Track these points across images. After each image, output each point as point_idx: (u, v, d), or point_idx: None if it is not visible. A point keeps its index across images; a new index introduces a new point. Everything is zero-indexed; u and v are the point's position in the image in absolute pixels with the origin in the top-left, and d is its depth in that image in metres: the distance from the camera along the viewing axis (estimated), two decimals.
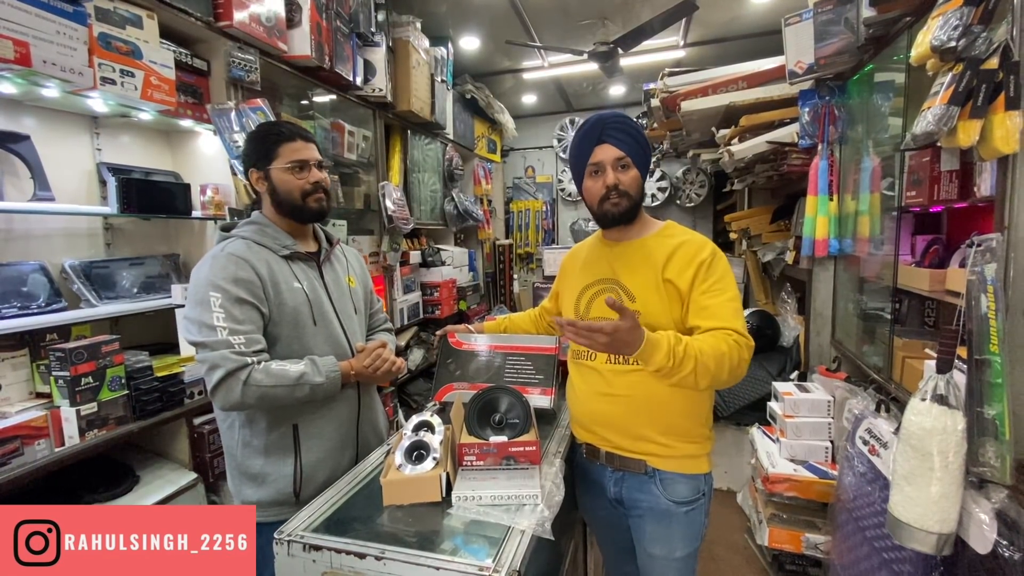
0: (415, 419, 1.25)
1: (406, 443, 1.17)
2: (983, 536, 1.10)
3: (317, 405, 1.31)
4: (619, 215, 1.30)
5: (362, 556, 0.94)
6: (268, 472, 1.27)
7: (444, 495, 1.10)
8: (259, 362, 1.18)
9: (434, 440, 1.18)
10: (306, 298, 1.30)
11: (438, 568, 0.90)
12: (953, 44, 1.16)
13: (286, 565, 1.00)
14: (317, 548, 0.97)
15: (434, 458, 1.14)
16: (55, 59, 1.32)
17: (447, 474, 1.12)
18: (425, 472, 1.11)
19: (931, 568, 1.27)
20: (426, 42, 3.04)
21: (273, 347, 1.26)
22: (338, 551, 0.96)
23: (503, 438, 1.21)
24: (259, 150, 1.32)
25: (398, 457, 1.15)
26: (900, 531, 1.20)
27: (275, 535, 1.01)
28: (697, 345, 1.17)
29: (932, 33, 1.20)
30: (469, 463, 1.18)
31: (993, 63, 1.11)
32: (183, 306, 1.72)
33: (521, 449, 1.18)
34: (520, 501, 1.07)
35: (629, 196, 1.29)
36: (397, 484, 1.10)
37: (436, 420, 1.24)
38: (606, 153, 1.28)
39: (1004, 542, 1.07)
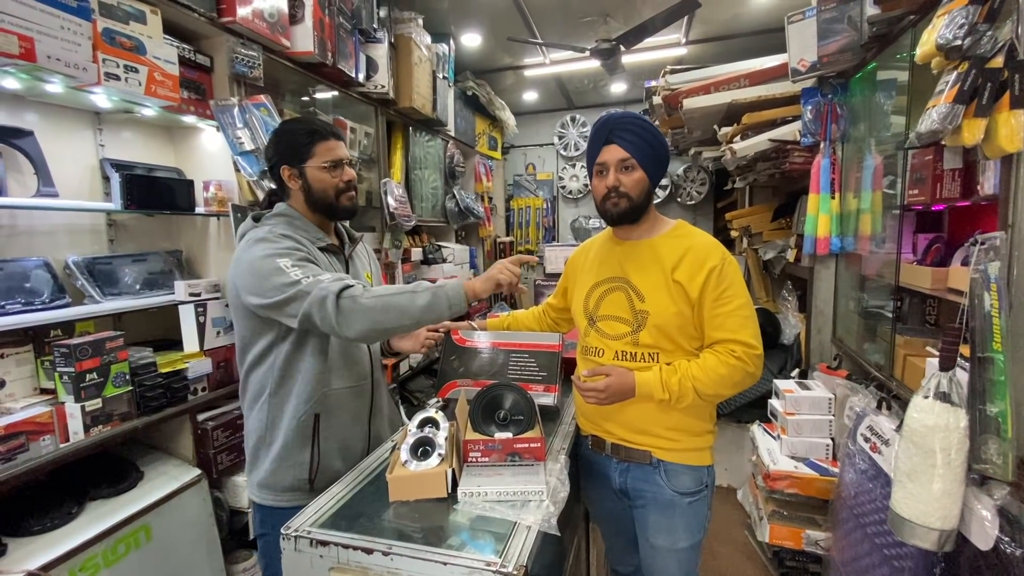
0: (420, 415, 1.25)
1: (411, 439, 1.17)
2: (985, 533, 1.11)
3: (336, 400, 1.33)
4: (618, 215, 1.33)
5: (369, 551, 0.95)
6: (285, 457, 1.30)
7: (450, 491, 1.11)
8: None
9: (439, 436, 1.18)
10: None
11: (445, 563, 0.91)
12: (959, 42, 1.16)
13: (293, 560, 1.00)
14: (324, 543, 0.98)
15: (439, 454, 1.15)
16: (59, 54, 1.32)
17: (452, 470, 1.12)
18: (431, 468, 1.12)
19: (932, 564, 1.28)
20: (428, 38, 3.03)
21: (305, 335, 1.27)
22: (345, 546, 0.97)
23: (508, 435, 1.21)
24: (293, 147, 1.32)
25: (404, 453, 1.15)
26: (902, 527, 1.21)
27: (282, 530, 1.01)
28: (693, 373, 1.24)
29: (938, 31, 1.20)
30: (474, 459, 1.18)
31: (998, 61, 1.11)
32: (186, 302, 1.74)
33: (526, 446, 1.18)
34: (525, 497, 1.08)
35: (629, 198, 1.30)
36: (403, 480, 1.11)
37: (440, 416, 1.24)
38: (611, 154, 1.30)
39: (1006, 539, 1.08)
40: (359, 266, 1.48)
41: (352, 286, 1.16)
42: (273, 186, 1.42)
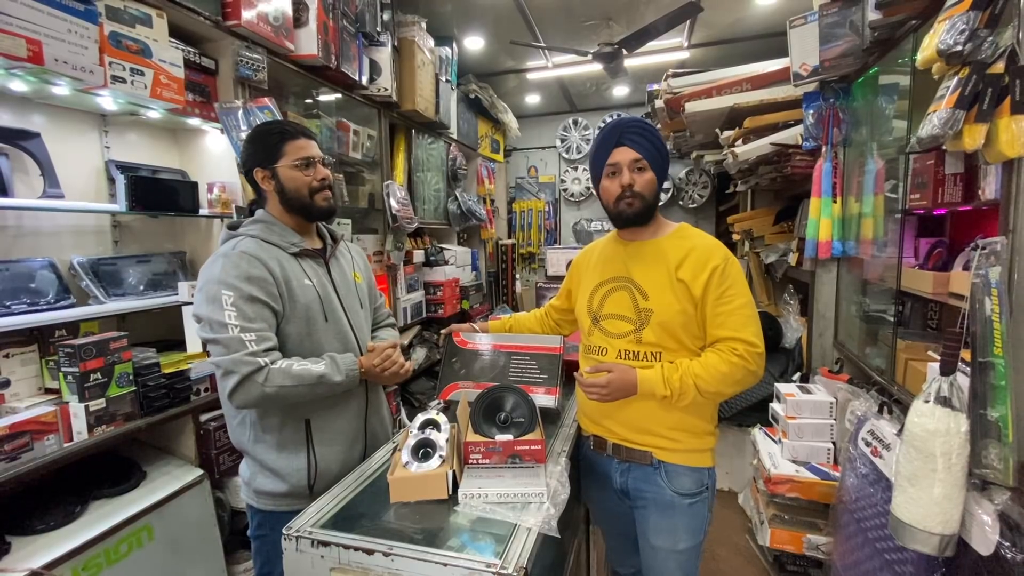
0: (421, 417, 1.26)
1: (412, 441, 1.18)
2: (985, 538, 1.10)
3: (329, 401, 1.32)
4: (632, 215, 1.34)
5: (370, 552, 0.95)
6: (282, 466, 1.28)
7: (450, 493, 1.11)
8: (273, 361, 1.18)
9: (440, 438, 1.18)
10: (317, 295, 1.32)
11: (445, 564, 0.91)
12: (959, 48, 1.16)
13: (294, 561, 1.01)
14: (325, 544, 0.98)
15: (440, 456, 1.15)
16: (67, 57, 1.33)
17: (453, 472, 1.13)
18: (432, 470, 1.12)
19: (933, 569, 1.27)
20: (431, 42, 3.05)
21: (285, 345, 1.26)
22: (346, 547, 0.97)
23: (508, 437, 1.22)
24: (263, 149, 1.31)
25: (405, 455, 1.16)
26: (902, 532, 1.21)
27: (284, 531, 1.02)
28: (694, 370, 1.24)
29: (938, 37, 1.21)
30: (475, 461, 1.19)
31: (999, 67, 1.11)
32: (190, 303, 1.74)
33: (527, 448, 1.19)
34: (526, 499, 1.08)
35: (643, 197, 1.32)
36: (404, 481, 1.11)
37: (442, 418, 1.25)
38: (623, 155, 1.32)
39: (1007, 544, 1.08)
40: (344, 267, 1.46)
41: (262, 368, 1.16)
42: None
